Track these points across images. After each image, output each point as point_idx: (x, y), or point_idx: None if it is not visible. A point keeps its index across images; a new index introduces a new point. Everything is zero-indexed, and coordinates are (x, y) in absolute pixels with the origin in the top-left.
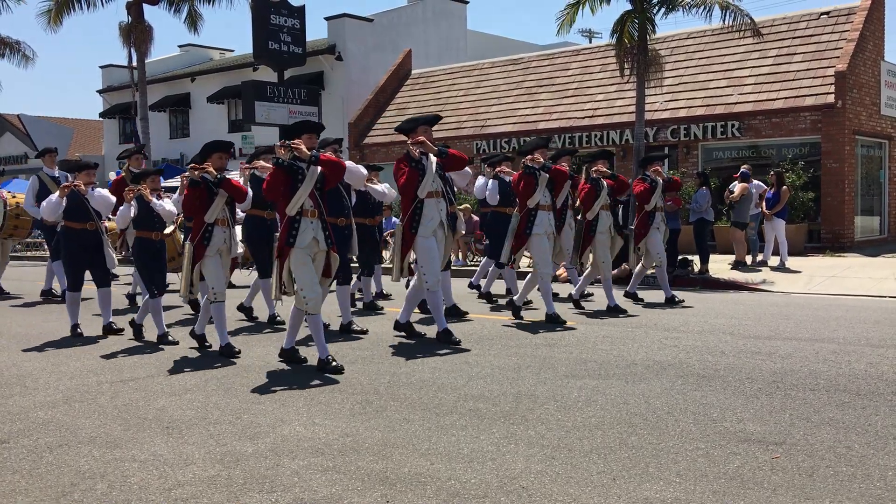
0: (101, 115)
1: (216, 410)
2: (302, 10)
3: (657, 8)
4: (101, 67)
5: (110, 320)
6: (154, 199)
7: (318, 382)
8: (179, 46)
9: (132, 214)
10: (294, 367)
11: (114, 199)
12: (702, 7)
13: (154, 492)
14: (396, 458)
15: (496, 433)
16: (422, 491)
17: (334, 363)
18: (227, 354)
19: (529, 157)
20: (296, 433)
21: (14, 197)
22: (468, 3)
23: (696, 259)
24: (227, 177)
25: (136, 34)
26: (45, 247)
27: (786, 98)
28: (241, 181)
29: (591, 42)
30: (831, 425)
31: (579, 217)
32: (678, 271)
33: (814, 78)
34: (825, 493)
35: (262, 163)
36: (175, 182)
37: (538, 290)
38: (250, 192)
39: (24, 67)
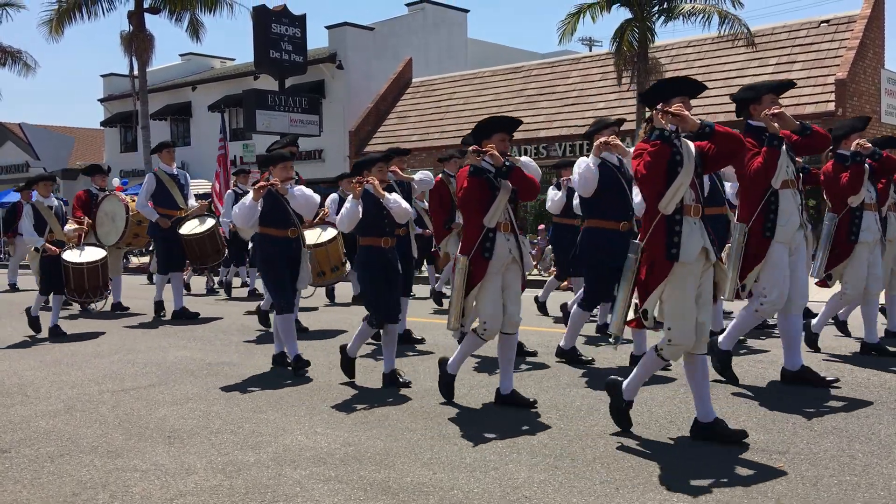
0: (103, 123)
1: (218, 420)
2: (303, 18)
3: (657, 16)
4: (102, 76)
5: (298, 352)
6: (387, 195)
7: (320, 392)
8: (180, 55)
9: (360, 214)
10: (298, 376)
11: (318, 197)
12: (701, 15)
13: (156, 502)
14: (399, 468)
15: (499, 442)
16: (424, 501)
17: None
18: (517, 402)
19: (856, 142)
20: (298, 443)
21: (134, 200)
22: (469, 11)
23: None
24: (517, 164)
25: (138, 43)
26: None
27: (786, 106)
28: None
29: (591, 50)
30: (835, 434)
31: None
32: None
33: (814, 86)
34: (829, 502)
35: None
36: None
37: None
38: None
39: (25, 76)
